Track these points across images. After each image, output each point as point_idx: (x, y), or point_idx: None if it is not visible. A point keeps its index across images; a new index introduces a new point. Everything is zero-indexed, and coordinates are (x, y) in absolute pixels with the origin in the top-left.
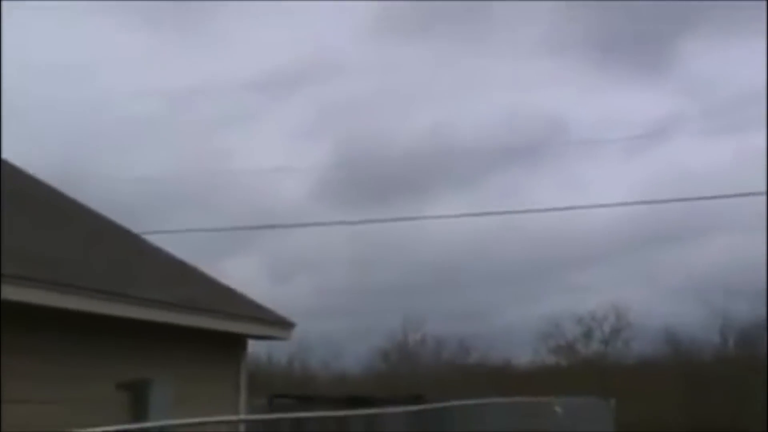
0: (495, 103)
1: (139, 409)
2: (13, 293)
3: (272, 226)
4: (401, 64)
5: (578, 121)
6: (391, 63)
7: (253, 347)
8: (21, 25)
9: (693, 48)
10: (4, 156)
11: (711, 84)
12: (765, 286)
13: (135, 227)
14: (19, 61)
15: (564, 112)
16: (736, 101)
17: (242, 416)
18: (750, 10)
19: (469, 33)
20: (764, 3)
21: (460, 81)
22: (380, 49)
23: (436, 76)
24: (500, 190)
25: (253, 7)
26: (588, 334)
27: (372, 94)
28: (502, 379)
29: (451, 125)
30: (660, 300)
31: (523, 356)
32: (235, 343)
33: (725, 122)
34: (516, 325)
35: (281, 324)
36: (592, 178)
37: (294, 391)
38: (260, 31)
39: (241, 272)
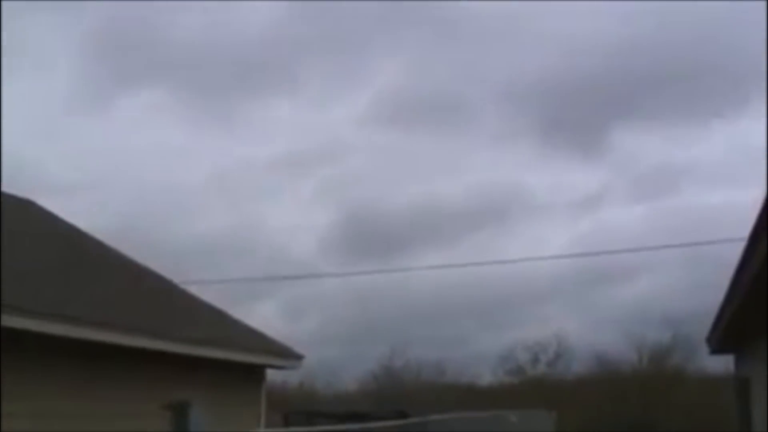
0: (468, 177)
1: (180, 425)
2: (86, 333)
3: (287, 277)
4: (393, 147)
5: (532, 190)
6: (386, 146)
7: (271, 373)
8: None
9: (618, 132)
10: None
11: (632, 161)
12: (668, 315)
13: (177, 278)
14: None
15: (521, 184)
16: (652, 174)
17: (262, 430)
18: (660, 104)
19: (447, 123)
20: (666, 98)
21: (439, 160)
22: (377, 135)
23: (420, 156)
24: (470, 245)
25: (282, 103)
26: (535, 359)
27: (370, 171)
28: (469, 395)
29: (433, 195)
30: (592, 329)
31: (485, 377)
32: (257, 371)
33: (643, 190)
34: (480, 351)
35: (292, 356)
36: (543, 234)
37: (304, 408)
38: (286, 121)
39: (262, 313)
